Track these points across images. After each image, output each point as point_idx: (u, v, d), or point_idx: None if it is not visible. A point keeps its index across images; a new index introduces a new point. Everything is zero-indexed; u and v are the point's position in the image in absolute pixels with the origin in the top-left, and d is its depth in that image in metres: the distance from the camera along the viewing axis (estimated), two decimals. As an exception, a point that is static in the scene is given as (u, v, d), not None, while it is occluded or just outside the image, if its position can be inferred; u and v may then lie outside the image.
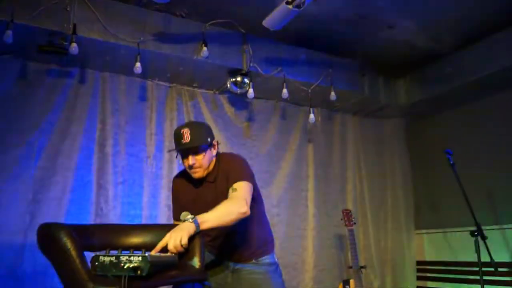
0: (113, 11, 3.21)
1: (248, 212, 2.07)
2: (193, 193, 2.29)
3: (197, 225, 1.88)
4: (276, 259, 2.45)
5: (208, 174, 2.26)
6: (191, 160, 2.18)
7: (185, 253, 1.82)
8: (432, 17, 3.56)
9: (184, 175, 2.34)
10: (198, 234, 1.90)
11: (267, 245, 2.41)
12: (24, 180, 3.16)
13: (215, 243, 2.27)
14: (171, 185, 2.45)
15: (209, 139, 2.24)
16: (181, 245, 1.79)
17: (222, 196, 2.15)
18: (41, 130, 3.28)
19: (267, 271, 2.34)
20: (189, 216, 1.99)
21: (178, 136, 2.18)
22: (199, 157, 2.19)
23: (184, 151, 2.19)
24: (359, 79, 4.32)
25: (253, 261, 2.33)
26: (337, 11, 3.46)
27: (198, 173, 2.22)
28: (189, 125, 2.26)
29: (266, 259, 2.36)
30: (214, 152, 2.28)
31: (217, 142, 2.31)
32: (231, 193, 2.12)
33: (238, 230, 2.21)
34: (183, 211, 2.20)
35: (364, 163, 4.76)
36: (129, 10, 3.29)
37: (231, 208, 2.04)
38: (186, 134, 2.16)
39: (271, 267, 2.38)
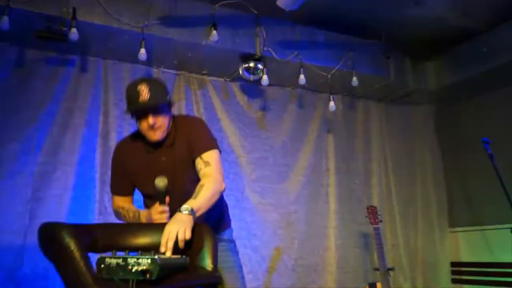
0: (115, -7, 3.22)
1: (225, 188, 2.13)
2: (146, 159, 2.19)
3: (194, 215, 1.87)
4: (234, 237, 2.43)
5: (166, 137, 2.18)
6: (151, 120, 2.07)
7: (192, 251, 1.82)
8: (465, -9, 3.50)
9: (132, 140, 2.26)
10: (209, 233, 1.89)
11: (224, 217, 2.37)
12: (23, 176, 3.20)
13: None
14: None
15: (168, 97, 2.18)
16: (184, 239, 1.76)
17: (181, 162, 2.15)
18: (40, 122, 3.32)
19: (226, 249, 2.31)
20: (166, 182, 1.98)
21: (134, 93, 2.07)
22: (160, 116, 2.10)
23: (143, 110, 2.08)
24: (384, 62, 4.27)
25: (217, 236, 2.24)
26: (359, -13, 3.43)
27: (158, 135, 2.13)
28: (145, 81, 2.13)
29: (224, 234, 2.34)
30: (171, 112, 2.22)
31: (173, 101, 2.26)
32: (203, 167, 2.10)
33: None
34: (131, 180, 2.22)
35: (390, 154, 4.73)
36: (132, -8, 3.30)
37: (214, 188, 2.05)
38: (145, 91, 2.05)
39: (230, 244, 2.36)
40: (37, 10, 2.96)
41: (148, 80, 2.28)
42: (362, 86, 4.21)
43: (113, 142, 3.52)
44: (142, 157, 2.20)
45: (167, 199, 2.05)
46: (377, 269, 3.81)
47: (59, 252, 1.59)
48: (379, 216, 3.95)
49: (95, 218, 3.36)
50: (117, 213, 2.33)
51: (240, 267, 2.37)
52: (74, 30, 3.00)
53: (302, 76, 3.84)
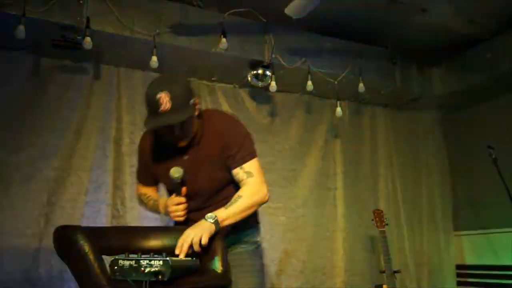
0: (128, 3, 3.25)
1: (268, 199, 2.02)
2: (167, 156, 2.01)
3: (217, 225, 1.84)
4: (259, 237, 2.21)
5: (192, 138, 1.99)
6: (176, 130, 1.89)
7: (204, 256, 1.83)
8: (470, -1, 3.50)
9: (155, 133, 2.03)
10: (220, 237, 1.89)
11: (250, 217, 2.09)
12: (38, 181, 3.24)
13: (193, 215, 1.98)
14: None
15: (191, 101, 1.90)
16: (201, 245, 1.76)
17: (206, 162, 1.98)
18: (55, 129, 3.36)
19: (243, 251, 2.10)
20: (181, 172, 1.88)
21: (153, 102, 1.81)
22: (184, 127, 1.90)
23: (165, 124, 1.85)
24: (390, 68, 4.26)
25: (232, 236, 2.07)
26: (365, -5, 3.43)
27: (183, 143, 1.96)
28: (165, 85, 1.85)
29: (247, 236, 2.14)
30: (196, 112, 1.96)
31: (198, 97, 1.99)
32: (245, 178, 1.97)
33: (220, 199, 2.02)
34: (153, 179, 2.12)
35: (396, 159, 4.71)
36: (144, 2, 3.33)
37: (253, 201, 1.96)
38: (166, 100, 1.79)
39: (251, 246, 2.14)
40: (52, 20, 3.00)
41: (169, 81, 1.94)
42: (368, 92, 4.20)
43: (125, 148, 3.56)
44: (164, 153, 2.04)
45: (184, 190, 1.96)
46: (383, 272, 3.79)
47: (73, 254, 1.61)
48: (385, 220, 3.94)
49: (108, 222, 3.38)
50: (139, 200, 2.27)
51: (258, 271, 2.14)
52: (88, 38, 3.03)
53: (309, 83, 3.84)
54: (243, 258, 2.09)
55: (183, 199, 1.98)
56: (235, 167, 1.99)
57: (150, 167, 2.13)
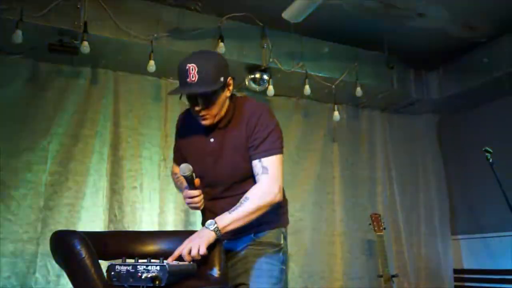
0: (125, 8, 3.26)
1: (279, 199, 1.90)
2: (196, 138, 2.01)
3: (218, 232, 1.80)
4: (283, 241, 2.05)
5: (220, 120, 1.95)
6: (197, 107, 1.87)
7: (202, 260, 1.82)
8: (466, 3, 3.50)
9: (190, 114, 2.02)
10: (218, 241, 1.88)
11: (274, 217, 2.00)
12: (36, 186, 3.24)
13: (210, 204, 1.99)
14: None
15: (222, 78, 1.87)
16: (199, 255, 1.75)
17: (231, 147, 1.94)
18: (53, 133, 3.35)
19: (260, 253, 1.96)
20: (191, 170, 1.84)
21: (183, 72, 1.82)
22: (209, 102, 1.87)
23: (190, 94, 1.87)
24: (387, 72, 4.27)
25: (252, 236, 1.97)
26: None
27: (207, 121, 1.91)
28: (197, 58, 1.85)
29: (268, 236, 2.00)
30: (228, 92, 1.94)
31: (233, 78, 1.96)
32: (260, 173, 1.89)
33: (238, 192, 1.93)
34: (183, 160, 2.02)
35: (394, 163, 4.72)
36: (141, 6, 3.34)
37: (261, 202, 1.85)
38: (193, 72, 1.80)
39: (272, 248, 2.00)
40: (50, 24, 3.01)
41: (202, 56, 1.91)
42: (366, 96, 4.22)
43: (122, 152, 3.56)
44: (193, 134, 2.02)
45: (197, 181, 1.92)
46: (381, 276, 3.79)
47: (71, 259, 1.61)
48: (382, 224, 3.95)
49: (105, 226, 3.37)
50: (172, 178, 2.28)
51: (276, 278, 1.97)
52: (85, 43, 3.04)
53: (307, 87, 3.85)
54: (260, 262, 1.96)
55: (196, 193, 1.94)
56: (254, 159, 1.91)
57: (180, 148, 2.13)
